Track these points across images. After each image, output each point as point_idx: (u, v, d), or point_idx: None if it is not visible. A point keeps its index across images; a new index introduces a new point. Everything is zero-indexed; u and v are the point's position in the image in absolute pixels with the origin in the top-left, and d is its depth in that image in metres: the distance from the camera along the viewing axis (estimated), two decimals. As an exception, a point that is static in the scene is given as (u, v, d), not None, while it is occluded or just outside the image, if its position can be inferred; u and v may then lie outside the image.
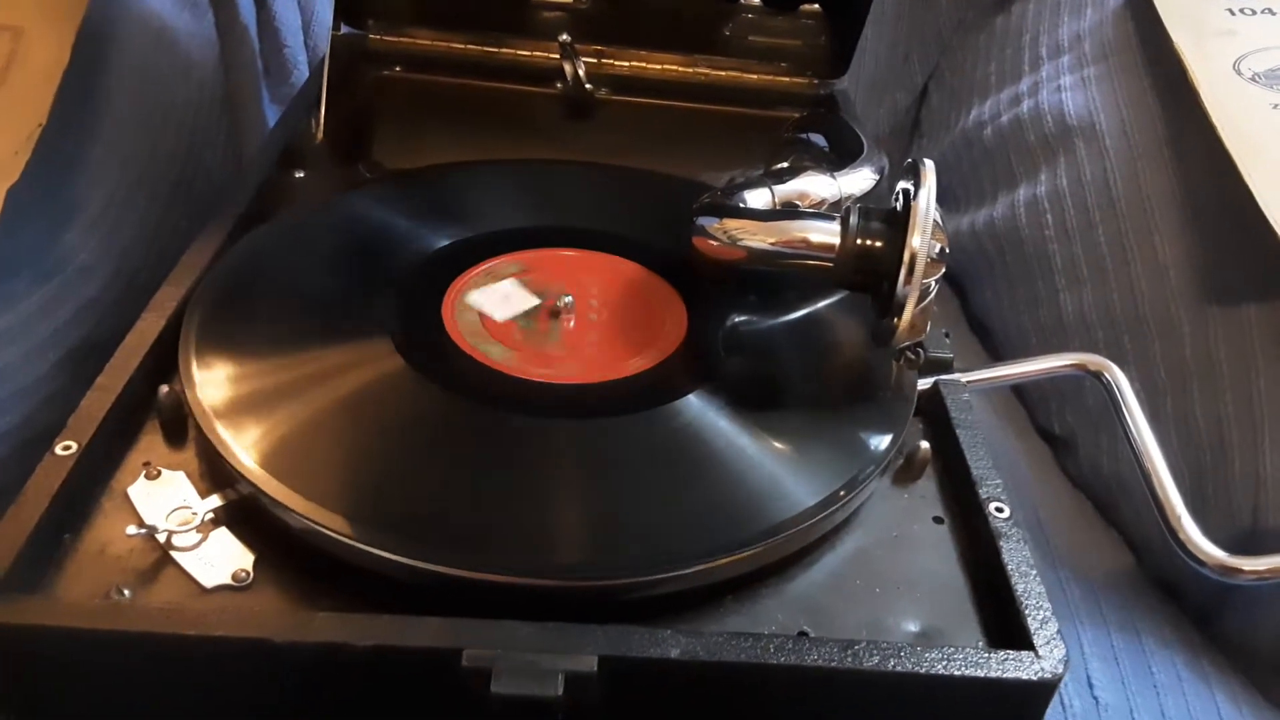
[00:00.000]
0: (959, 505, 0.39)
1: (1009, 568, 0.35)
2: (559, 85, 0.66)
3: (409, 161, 0.59)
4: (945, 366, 0.45)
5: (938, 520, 0.39)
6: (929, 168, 0.37)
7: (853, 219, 0.39)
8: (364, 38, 0.69)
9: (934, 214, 0.37)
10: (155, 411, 0.40)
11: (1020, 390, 0.61)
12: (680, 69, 0.69)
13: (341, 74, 0.65)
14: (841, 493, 0.37)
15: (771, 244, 0.41)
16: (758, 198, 0.45)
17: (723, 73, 0.69)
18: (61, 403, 0.38)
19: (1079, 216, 0.58)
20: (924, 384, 0.44)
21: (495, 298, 0.44)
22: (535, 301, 0.45)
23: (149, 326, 0.42)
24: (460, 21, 0.68)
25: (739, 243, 0.41)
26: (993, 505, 0.38)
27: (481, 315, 0.44)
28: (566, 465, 0.39)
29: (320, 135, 0.60)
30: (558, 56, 0.66)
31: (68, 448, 0.36)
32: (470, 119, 0.65)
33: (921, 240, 0.36)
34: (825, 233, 0.40)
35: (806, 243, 0.40)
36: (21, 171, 0.48)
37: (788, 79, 0.69)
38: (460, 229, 0.50)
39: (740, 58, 0.69)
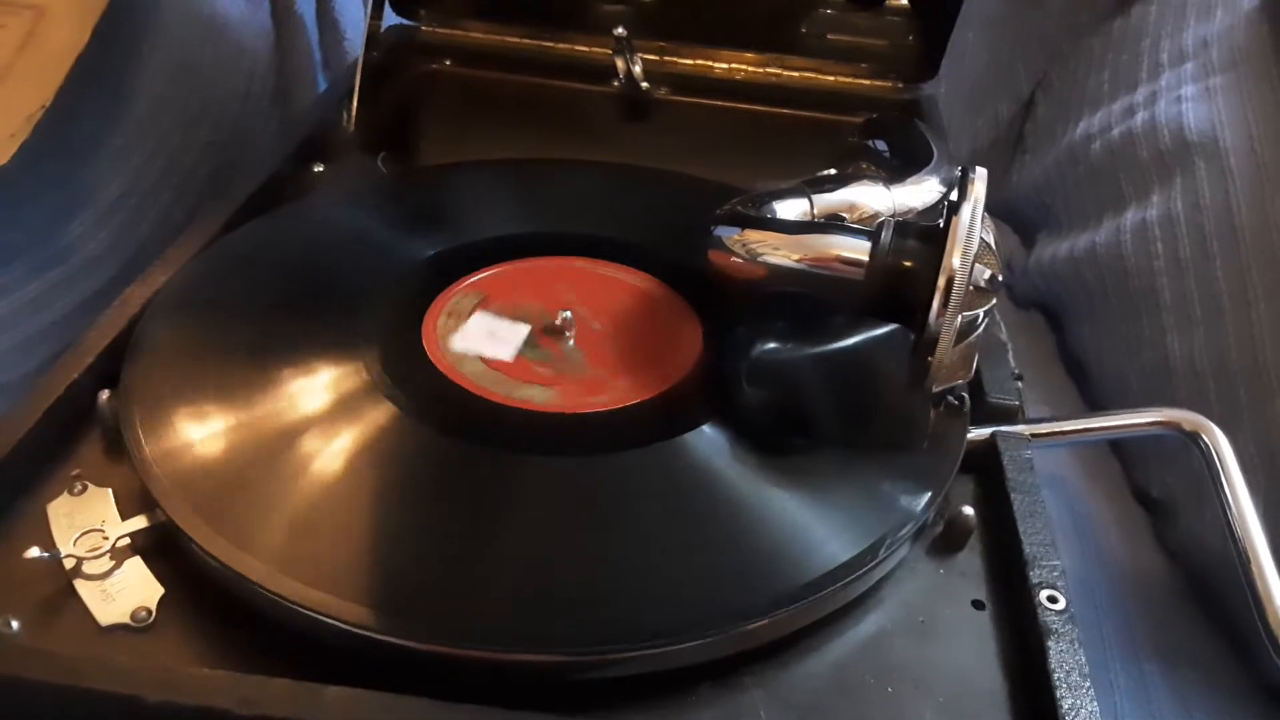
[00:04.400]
0: (1006, 589, 0.32)
1: (1056, 675, 0.28)
2: (615, 83, 0.61)
3: (445, 160, 0.54)
4: (1009, 415, 0.38)
5: (977, 605, 0.32)
6: (978, 176, 0.31)
7: (884, 234, 0.32)
8: (415, 29, 0.65)
9: (982, 232, 0.30)
10: (98, 420, 0.36)
11: (1117, 445, 0.53)
12: (749, 68, 0.63)
13: (389, 66, 0.62)
14: (858, 561, 0.31)
15: (796, 261, 0.35)
16: (792, 208, 0.38)
17: (796, 73, 0.63)
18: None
19: (1194, 247, 0.50)
20: (980, 434, 0.37)
21: (481, 337, 0.39)
22: (527, 327, 0.39)
23: (109, 325, 0.38)
24: (516, 13, 0.64)
25: (759, 258, 0.35)
26: (1044, 593, 0.31)
27: (485, 360, 0.38)
28: (540, 510, 0.33)
29: (351, 127, 0.56)
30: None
31: (-14, 454, 0.33)
32: (518, 117, 0.60)
33: (961, 262, 0.30)
34: (854, 250, 0.33)
35: (835, 261, 0.34)
36: (13, 155, 0.45)
37: (869, 81, 0.62)
38: (450, 236, 0.45)
39: (816, 57, 0.62)
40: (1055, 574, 0.31)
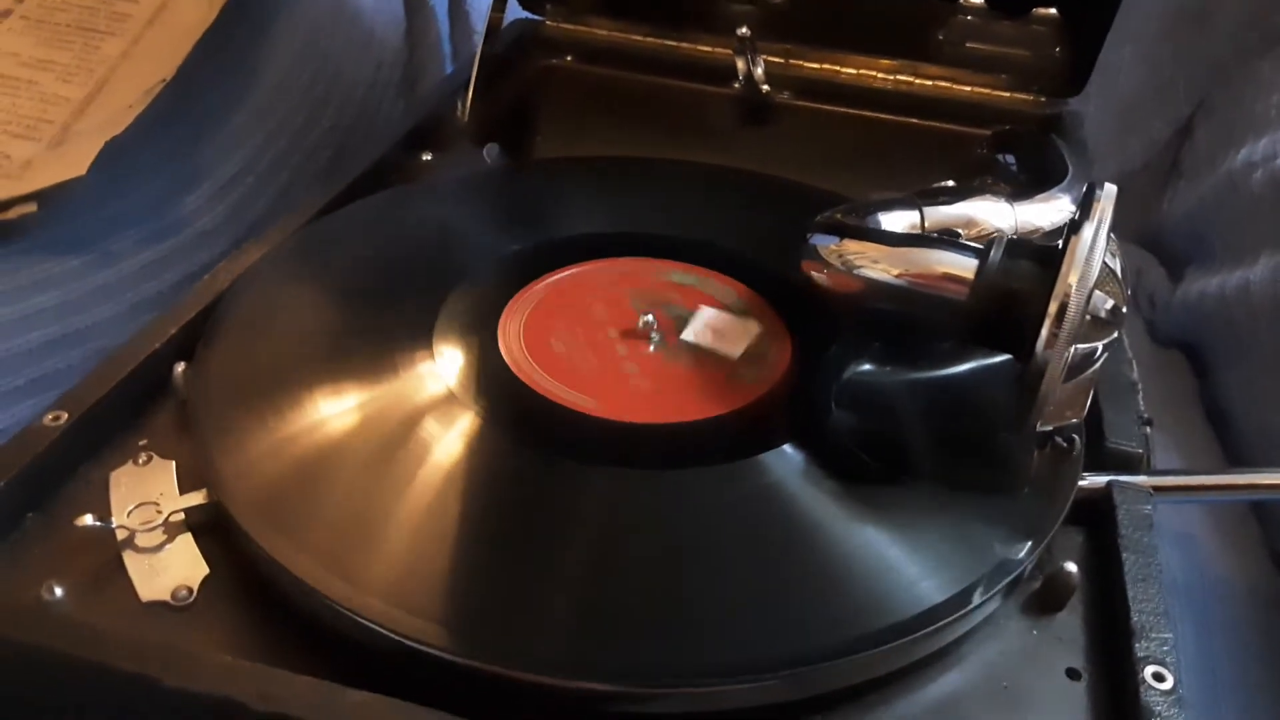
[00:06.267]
0: (1107, 659, 0.29)
1: (1156, 769, 0.25)
2: (736, 85, 0.59)
3: (556, 155, 0.53)
4: (1131, 464, 0.34)
5: (1073, 675, 0.29)
6: (1106, 194, 0.27)
7: (994, 252, 0.29)
8: (540, 24, 0.64)
9: (1107, 257, 0.27)
10: (172, 392, 0.36)
11: (1256, 504, 0.48)
12: (878, 75, 0.59)
13: (510, 59, 0.61)
14: (941, 611, 0.28)
15: (895, 276, 0.32)
16: (900, 220, 0.35)
17: (929, 82, 0.59)
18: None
19: (1363, 291, 0.44)
20: (1095, 483, 0.33)
21: (707, 332, 0.37)
22: (756, 325, 0.37)
23: (196, 299, 0.38)
24: (642, 12, 0.63)
25: (855, 271, 0.32)
26: (1150, 670, 0.27)
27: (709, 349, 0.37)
28: (600, 526, 0.31)
29: (465, 117, 0.56)
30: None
31: (57, 418, 0.33)
32: (633, 115, 0.59)
33: (1077, 286, 0.26)
34: (960, 267, 0.30)
35: (938, 278, 0.31)
36: (129, 125, 0.46)
37: (1008, 94, 0.58)
38: (540, 232, 0.43)
39: (952, 67, 0.59)
40: (1165, 649, 0.27)
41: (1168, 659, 0.27)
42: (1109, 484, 0.33)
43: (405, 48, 0.71)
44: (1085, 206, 0.28)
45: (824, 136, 0.57)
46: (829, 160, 0.54)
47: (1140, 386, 0.40)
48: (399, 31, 0.71)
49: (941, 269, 0.31)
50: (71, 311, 0.46)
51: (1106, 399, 0.36)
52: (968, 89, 0.59)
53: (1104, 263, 0.28)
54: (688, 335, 0.36)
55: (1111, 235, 0.29)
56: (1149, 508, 0.32)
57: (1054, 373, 0.27)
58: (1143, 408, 0.39)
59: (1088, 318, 0.27)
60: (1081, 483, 0.33)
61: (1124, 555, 0.30)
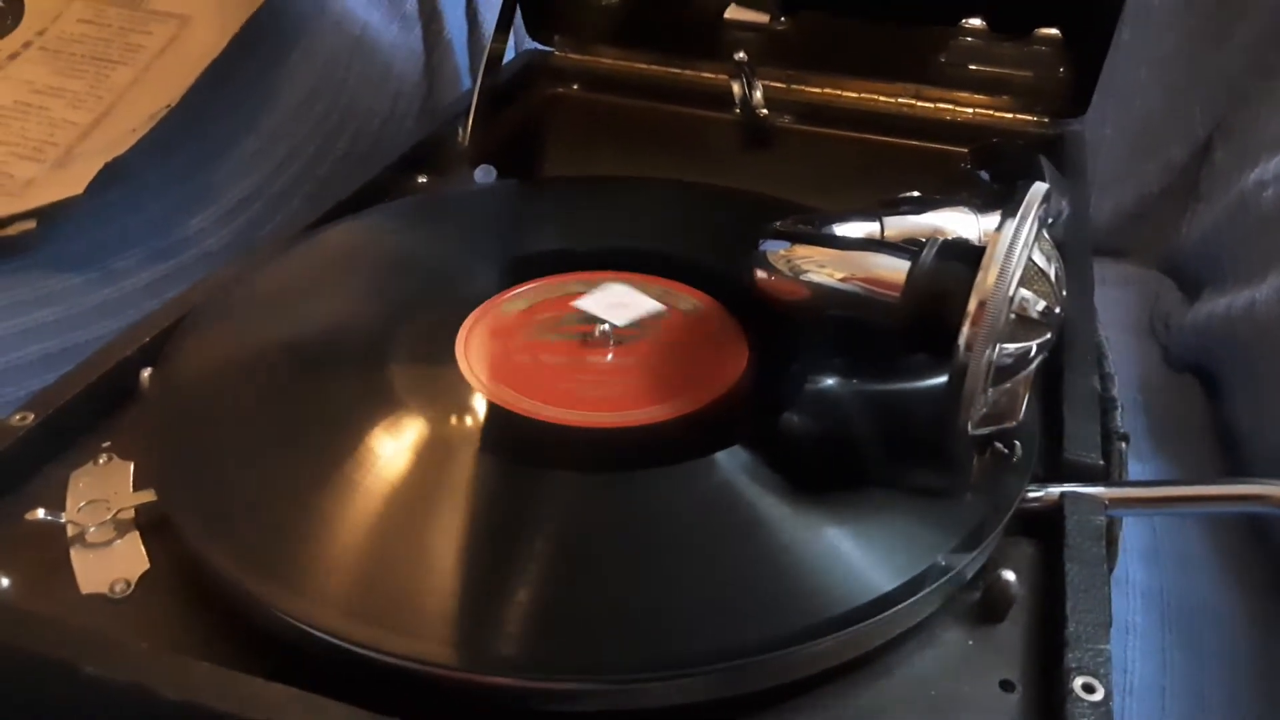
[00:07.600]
0: (1044, 671, 0.28)
1: (1075, 781, 0.24)
2: (738, 111, 0.59)
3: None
4: (1090, 474, 0.33)
5: (1006, 686, 0.28)
6: (1033, 193, 0.27)
7: (925, 253, 0.29)
8: (549, 54, 0.65)
9: (1030, 253, 0.26)
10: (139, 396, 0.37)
11: (1264, 527, 0.46)
12: (880, 99, 0.59)
13: (518, 88, 0.62)
14: (857, 615, 0.27)
15: (840, 280, 0.31)
16: (859, 229, 0.35)
17: (931, 105, 0.59)
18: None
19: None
20: (1048, 494, 0.32)
21: (607, 304, 0.38)
22: (660, 306, 0.38)
23: (171, 308, 0.39)
24: (648, 42, 0.63)
25: (801, 276, 0.32)
26: (1080, 680, 0.26)
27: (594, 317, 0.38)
28: (544, 527, 0.31)
29: (465, 142, 0.57)
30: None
31: (23, 418, 0.34)
32: (635, 142, 0.59)
33: (997, 283, 0.26)
34: (894, 270, 0.30)
35: (875, 282, 0.30)
36: (131, 147, 0.48)
37: (1011, 115, 0.57)
38: (513, 248, 0.44)
39: (955, 89, 0.58)
40: (1099, 660, 0.26)
41: (1100, 670, 0.26)
42: (1062, 495, 0.32)
43: (424, 81, 0.73)
44: (1013, 206, 0.27)
45: (826, 160, 0.57)
46: (831, 183, 0.54)
47: (1120, 403, 0.39)
48: (418, 65, 0.73)
49: (879, 272, 0.30)
50: (72, 327, 0.48)
51: (1069, 411, 0.35)
52: (971, 111, 0.58)
53: (1034, 262, 0.27)
54: (583, 302, 0.37)
55: (1045, 235, 0.28)
56: (1101, 519, 0.31)
57: (976, 373, 0.26)
58: (1120, 424, 0.38)
59: (1013, 317, 0.26)
60: (1036, 494, 0.32)
61: (1067, 565, 0.29)
